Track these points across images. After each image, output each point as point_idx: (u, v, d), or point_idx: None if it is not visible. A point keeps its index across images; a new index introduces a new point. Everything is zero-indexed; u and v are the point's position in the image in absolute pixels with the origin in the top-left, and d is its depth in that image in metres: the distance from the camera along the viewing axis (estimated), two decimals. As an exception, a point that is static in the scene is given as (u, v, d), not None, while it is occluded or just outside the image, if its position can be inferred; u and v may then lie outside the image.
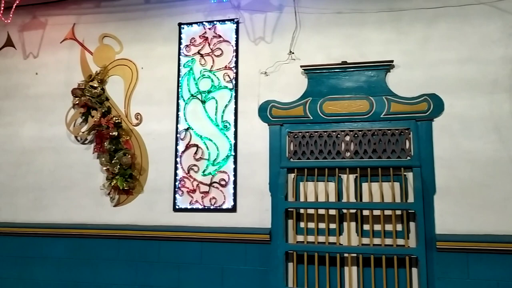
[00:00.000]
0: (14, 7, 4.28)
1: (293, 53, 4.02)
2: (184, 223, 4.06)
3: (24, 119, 4.64)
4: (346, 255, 3.68)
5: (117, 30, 4.53)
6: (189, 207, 4.09)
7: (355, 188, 3.76)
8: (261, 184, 3.94)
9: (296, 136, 3.92)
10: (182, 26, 4.34)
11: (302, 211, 3.81)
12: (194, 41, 4.31)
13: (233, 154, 4.06)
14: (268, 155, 3.95)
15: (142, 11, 4.49)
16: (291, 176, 3.89)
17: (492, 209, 3.49)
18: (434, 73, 3.74)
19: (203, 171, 4.11)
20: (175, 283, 3.98)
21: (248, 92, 4.11)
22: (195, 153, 4.15)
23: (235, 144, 4.07)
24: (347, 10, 3.99)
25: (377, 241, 3.62)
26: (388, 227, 3.63)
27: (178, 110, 4.24)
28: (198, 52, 4.29)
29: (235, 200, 4.00)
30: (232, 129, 4.10)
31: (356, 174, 3.76)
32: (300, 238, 3.80)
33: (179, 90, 4.27)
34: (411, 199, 3.62)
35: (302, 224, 3.81)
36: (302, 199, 3.83)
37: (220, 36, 4.26)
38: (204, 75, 4.24)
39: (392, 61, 3.81)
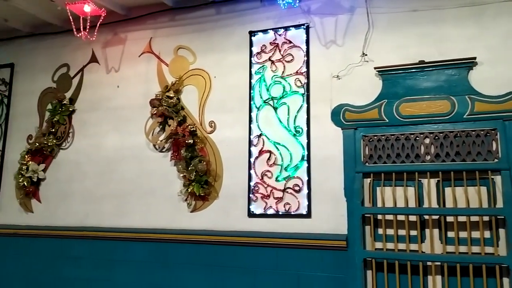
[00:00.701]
0: (98, 25, 4.58)
1: (366, 55, 3.93)
2: (258, 228, 4.08)
3: (107, 130, 4.93)
4: (429, 263, 3.50)
5: (191, 42, 4.69)
6: (263, 212, 4.11)
7: (437, 193, 3.57)
8: (335, 189, 3.87)
9: (371, 140, 3.81)
10: (253, 34, 4.41)
11: (380, 217, 3.68)
12: (265, 48, 4.35)
13: (306, 159, 4.03)
14: (342, 159, 3.88)
15: (213, 22, 4.62)
16: (367, 181, 3.78)
17: None
18: (522, 69, 3.48)
19: (277, 177, 4.12)
20: (251, 289, 4.01)
21: (320, 97, 4.07)
22: (268, 159, 4.17)
23: (308, 149, 4.04)
24: (423, 7, 3.83)
25: (463, 249, 3.40)
26: (475, 234, 3.41)
27: (250, 116, 4.29)
28: (269, 59, 4.32)
29: (309, 205, 3.96)
30: (305, 134, 4.07)
31: (438, 178, 3.57)
32: (378, 245, 3.67)
33: (251, 97, 4.32)
34: (499, 204, 3.38)
35: (380, 231, 3.67)
36: (379, 204, 3.70)
37: (290, 42, 4.27)
38: (275, 81, 4.27)
39: (474, 58, 3.59)
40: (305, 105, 4.11)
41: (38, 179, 5.12)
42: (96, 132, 4.99)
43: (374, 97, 3.85)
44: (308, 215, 3.95)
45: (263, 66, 4.33)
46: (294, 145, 4.10)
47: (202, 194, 4.30)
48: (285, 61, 4.26)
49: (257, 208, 4.13)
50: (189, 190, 4.34)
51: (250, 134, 4.26)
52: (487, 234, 3.39)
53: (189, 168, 4.35)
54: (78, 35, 4.48)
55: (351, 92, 3.96)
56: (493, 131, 3.48)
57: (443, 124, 3.62)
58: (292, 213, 4.00)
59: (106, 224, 4.72)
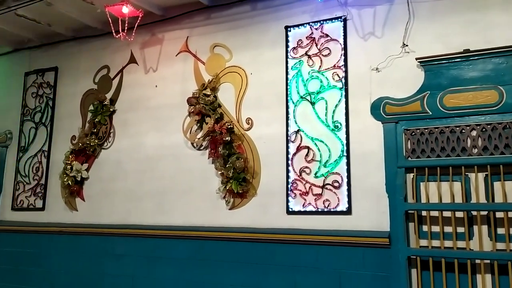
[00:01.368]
0: (135, 27, 4.66)
1: (407, 45, 3.79)
2: (298, 226, 4.02)
3: (147, 129, 5.01)
4: (478, 261, 3.33)
5: (227, 39, 4.69)
6: (302, 209, 4.05)
7: (485, 188, 3.40)
8: (376, 185, 3.75)
9: (413, 134, 3.67)
10: (288, 28, 4.36)
11: (424, 213, 3.54)
12: (301, 42, 4.29)
13: (346, 154, 3.94)
14: (383, 154, 3.76)
15: (249, 18, 4.60)
16: (410, 176, 3.64)
17: None
18: None
19: (315, 173, 4.05)
20: (291, 287, 3.95)
21: (359, 90, 3.97)
22: (307, 155, 4.11)
23: (347, 145, 3.95)
24: (467, -6, 3.67)
25: (515, 246, 3.23)
26: (528, 231, 3.22)
27: (287, 112, 4.24)
28: (306, 54, 4.25)
29: (349, 202, 3.86)
30: (344, 129, 3.98)
31: (486, 172, 3.39)
32: (423, 242, 3.53)
33: (288, 92, 4.27)
34: (555, 199, 3.17)
35: (424, 228, 3.54)
36: (423, 200, 3.56)
37: (327, 35, 4.19)
38: (312, 76, 4.20)
39: (524, 44, 3.39)
40: (343, 100, 4.02)
41: (81, 178, 5.27)
42: (136, 131, 5.08)
43: (416, 89, 3.70)
44: (348, 211, 3.85)
45: (299, 61, 4.27)
46: (333, 140, 4.01)
47: (240, 192, 4.29)
48: (322, 55, 4.18)
49: (295, 205, 4.07)
50: (227, 188, 4.34)
51: (287, 130, 4.21)
52: (541, 230, 3.20)
53: (227, 166, 4.35)
54: (117, 37, 4.58)
55: (391, 84, 3.84)
56: (546, 122, 3.28)
57: (490, 116, 3.43)
58: (332, 210, 3.92)
59: (147, 222, 4.80)
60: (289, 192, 4.11)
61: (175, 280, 4.51)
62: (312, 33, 4.26)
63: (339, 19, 4.14)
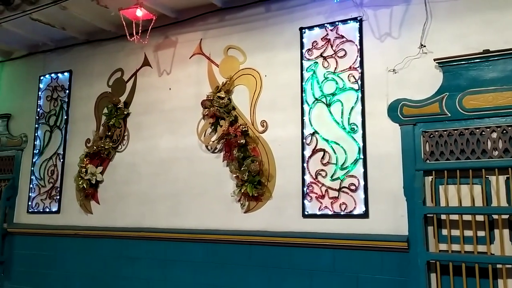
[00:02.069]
0: (149, 29, 4.66)
1: (424, 46, 3.73)
2: (314, 229, 3.98)
3: (161, 132, 5.00)
4: (499, 266, 3.26)
5: (241, 41, 4.67)
6: (318, 213, 4.01)
7: (506, 191, 3.33)
8: (394, 188, 3.70)
9: (432, 136, 3.61)
10: (303, 30, 4.32)
11: (443, 217, 3.48)
12: (316, 44, 4.25)
13: (362, 157, 3.89)
14: (400, 157, 3.71)
15: (263, 20, 4.57)
16: (429, 179, 3.59)
17: None
18: None
19: (331, 176, 4.00)
20: (308, 291, 3.92)
21: (375, 92, 3.92)
22: (322, 157, 4.06)
23: (364, 147, 3.90)
24: (486, -7, 3.60)
25: (538, 251, 3.16)
26: (552, 235, 3.15)
27: (302, 115, 4.21)
28: (321, 55, 4.21)
29: (366, 205, 3.81)
30: (360, 131, 3.93)
31: (508, 175, 3.32)
32: (443, 246, 3.47)
33: (303, 95, 4.23)
34: None
35: (444, 232, 3.47)
36: (442, 204, 3.50)
37: (342, 37, 4.14)
38: (327, 77, 4.15)
39: (545, 44, 3.32)
40: (359, 101, 3.97)
41: (96, 181, 5.29)
42: (150, 134, 5.07)
43: (434, 90, 3.65)
44: (365, 215, 3.80)
45: (314, 62, 4.23)
46: (349, 142, 3.97)
47: (255, 195, 4.26)
48: (338, 56, 4.14)
49: (312, 208, 4.03)
50: (242, 191, 4.32)
51: (302, 132, 4.18)
52: None
53: (242, 169, 4.32)
54: (131, 40, 4.58)
55: (408, 86, 3.78)
56: None
57: (511, 117, 3.36)
58: (349, 213, 3.87)
59: (161, 225, 4.79)
60: (305, 195, 4.07)
61: (190, 283, 4.50)
62: (327, 34, 4.22)
63: (355, 20, 4.10)
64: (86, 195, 5.32)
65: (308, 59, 4.27)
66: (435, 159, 3.57)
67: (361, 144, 3.91)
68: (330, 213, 3.95)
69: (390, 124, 3.79)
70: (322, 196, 4.01)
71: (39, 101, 5.98)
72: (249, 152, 4.38)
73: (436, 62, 3.65)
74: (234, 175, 4.40)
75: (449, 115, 3.55)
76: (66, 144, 5.66)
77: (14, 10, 5.08)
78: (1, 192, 5.90)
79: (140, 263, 4.83)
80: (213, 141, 4.63)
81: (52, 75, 5.93)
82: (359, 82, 4.00)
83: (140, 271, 4.80)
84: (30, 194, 5.78)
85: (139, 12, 4.45)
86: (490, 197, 3.39)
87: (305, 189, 4.08)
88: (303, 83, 4.24)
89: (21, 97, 6.21)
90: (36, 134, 5.90)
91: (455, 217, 3.43)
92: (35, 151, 5.86)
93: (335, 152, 4.02)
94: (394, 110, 3.77)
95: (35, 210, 5.72)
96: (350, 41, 4.10)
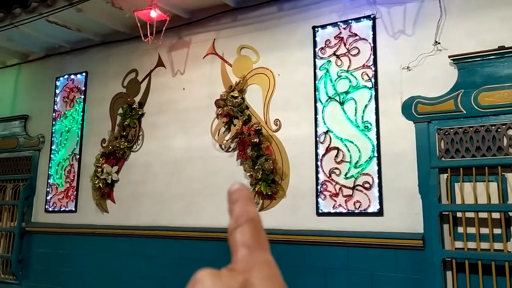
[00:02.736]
0: (163, 30, 4.71)
1: (439, 43, 3.71)
2: (328, 227, 3.99)
3: (175, 132, 5.05)
4: (516, 264, 3.24)
5: (253, 41, 4.69)
6: (332, 211, 4.01)
7: (523, 188, 3.30)
8: (408, 186, 3.69)
9: (447, 133, 3.59)
10: (316, 29, 4.33)
11: (459, 214, 3.46)
12: (329, 42, 4.26)
13: (376, 155, 3.88)
14: (415, 154, 3.69)
15: (276, 19, 4.59)
16: (444, 176, 3.57)
17: None
18: None
19: (345, 174, 4.00)
20: (322, 288, 3.92)
21: (389, 90, 3.91)
22: (336, 156, 4.07)
23: (378, 145, 3.89)
24: (501, -12, 3.57)
25: (556, 249, 3.12)
26: None
27: (316, 113, 4.21)
28: (334, 54, 4.22)
29: (381, 203, 3.81)
30: (374, 129, 3.93)
31: (524, 172, 3.30)
32: (458, 244, 3.45)
33: (316, 93, 4.24)
34: None
35: (460, 229, 3.46)
36: (458, 201, 3.48)
37: (356, 35, 4.14)
38: (341, 76, 4.15)
39: None
40: (373, 99, 3.96)
41: (112, 180, 5.36)
42: (164, 134, 5.13)
43: (449, 87, 3.63)
44: (379, 213, 3.80)
45: (327, 61, 4.24)
46: (363, 141, 3.96)
47: (269, 193, 4.28)
48: (351, 54, 4.13)
49: (325, 207, 4.04)
50: (256, 189, 4.34)
51: (316, 131, 4.18)
52: None
53: (256, 167, 4.34)
54: (145, 41, 4.63)
55: (423, 83, 3.77)
56: None
57: (528, 114, 3.34)
58: (363, 211, 3.87)
59: (176, 224, 4.83)
60: (318, 193, 4.08)
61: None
62: (340, 32, 4.22)
63: (368, 18, 4.09)
64: (102, 194, 5.39)
65: (321, 58, 4.27)
66: (450, 156, 3.55)
67: (375, 142, 3.90)
68: (344, 211, 3.95)
69: (404, 121, 3.78)
70: (336, 194, 4.01)
71: (55, 102, 6.08)
72: (262, 151, 4.40)
73: (451, 59, 3.63)
74: (248, 174, 4.43)
75: (464, 112, 3.53)
76: (82, 144, 5.75)
77: (31, 13, 5.17)
78: (20, 191, 6.01)
79: (155, 262, 4.88)
80: (227, 140, 4.66)
81: (68, 76, 6.02)
82: (373, 80, 3.99)
83: (156, 269, 4.85)
84: (47, 194, 5.88)
85: (153, 13, 4.51)
86: (506, 194, 3.36)
87: (319, 187, 4.09)
88: (316, 82, 4.25)
89: (38, 99, 6.32)
90: (53, 135, 6.00)
91: (471, 214, 3.41)
92: (52, 152, 5.96)
93: (349, 151, 4.02)
94: (409, 108, 3.76)
95: (53, 209, 5.82)
96: (364, 39, 4.10)
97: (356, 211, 3.90)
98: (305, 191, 4.15)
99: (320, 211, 4.05)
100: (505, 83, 3.43)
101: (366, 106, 3.99)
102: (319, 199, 4.07)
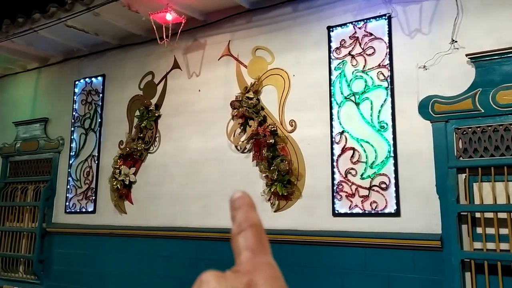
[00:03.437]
0: (179, 33, 4.76)
1: (456, 41, 3.67)
2: (344, 228, 3.97)
3: (191, 133, 5.09)
4: (537, 265, 3.18)
5: (268, 42, 4.70)
6: (348, 211, 3.99)
7: (544, 188, 3.24)
8: (426, 186, 3.66)
9: (465, 132, 3.55)
10: (331, 29, 4.31)
11: (478, 215, 3.42)
12: (344, 42, 4.24)
13: (393, 155, 3.86)
14: (432, 154, 3.66)
15: (291, 20, 4.59)
16: (462, 176, 3.52)
17: None
18: None
19: (361, 175, 3.98)
20: (339, 289, 3.91)
21: (405, 89, 3.88)
22: (352, 156, 4.05)
23: (394, 145, 3.86)
24: (519, -15, 3.51)
25: None
26: None
27: (331, 114, 4.20)
28: (349, 53, 4.20)
29: (398, 203, 3.78)
30: (390, 129, 3.90)
31: (545, 172, 3.24)
32: (477, 245, 3.40)
33: (332, 93, 4.23)
34: None
35: (478, 230, 3.41)
36: (477, 201, 3.44)
37: (371, 34, 4.12)
38: (356, 76, 4.13)
39: None
40: (389, 99, 3.93)
41: (129, 182, 5.43)
42: (181, 135, 5.17)
43: (467, 86, 3.58)
44: (396, 213, 3.77)
45: (343, 61, 4.22)
46: (379, 141, 3.94)
47: (285, 194, 4.28)
48: (366, 54, 4.11)
49: (342, 207, 4.03)
50: (272, 190, 4.35)
51: (331, 131, 4.17)
52: None
53: (271, 168, 4.35)
54: (161, 43, 4.68)
55: (439, 82, 3.73)
56: None
57: (548, 112, 3.28)
58: (380, 211, 3.85)
59: (193, 225, 4.87)
60: (334, 194, 4.07)
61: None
62: (355, 32, 4.20)
63: (383, 17, 4.06)
64: (120, 195, 5.46)
65: (336, 58, 4.26)
66: (469, 156, 3.51)
67: (391, 142, 3.88)
68: (360, 211, 3.93)
69: (421, 121, 3.75)
70: (352, 195, 3.99)
71: (74, 105, 6.18)
72: (278, 151, 4.40)
73: (468, 58, 3.58)
74: (264, 175, 4.44)
75: (483, 111, 3.48)
76: (100, 146, 5.84)
77: (50, 17, 5.27)
78: (40, 193, 6.13)
79: (172, 262, 4.93)
80: (243, 141, 4.68)
81: (87, 79, 6.12)
82: (389, 79, 3.96)
83: (173, 269, 4.90)
84: (67, 195, 5.99)
85: (169, 16, 4.56)
86: (526, 195, 3.30)
87: (335, 187, 4.08)
88: (332, 82, 4.24)
89: (57, 102, 6.44)
90: (72, 137, 6.10)
91: (489, 215, 3.37)
92: (71, 153, 6.06)
93: (365, 151, 4.00)
94: (425, 107, 3.72)
95: (72, 210, 5.92)
96: (379, 38, 4.07)
97: (373, 211, 3.87)
98: (321, 192, 4.14)
99: (336, 212, 4.04)
100: (525, 81, 3.37)
101: (382, 106, 3.97)
102: (335, 200, 4.06)
